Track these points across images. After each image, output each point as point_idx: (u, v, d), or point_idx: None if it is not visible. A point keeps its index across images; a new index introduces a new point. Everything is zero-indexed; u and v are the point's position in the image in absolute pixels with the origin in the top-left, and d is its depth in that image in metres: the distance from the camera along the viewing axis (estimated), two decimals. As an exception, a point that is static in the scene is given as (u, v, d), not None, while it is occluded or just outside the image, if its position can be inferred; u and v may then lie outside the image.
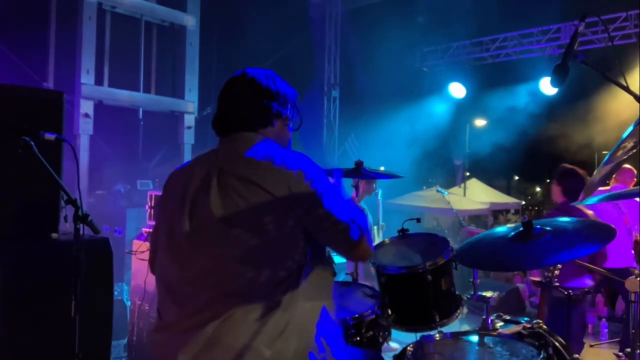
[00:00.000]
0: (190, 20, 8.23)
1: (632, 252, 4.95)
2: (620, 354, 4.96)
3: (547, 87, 9.53)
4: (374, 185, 5.77)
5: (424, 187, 11.90)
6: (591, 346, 6.00)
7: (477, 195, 13.80)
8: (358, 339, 2.67)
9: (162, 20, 8.15)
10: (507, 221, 16.38)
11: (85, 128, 7.08)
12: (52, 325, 2.73)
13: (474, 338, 2.38)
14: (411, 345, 2.33)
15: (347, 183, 5.84)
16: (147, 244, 4.21)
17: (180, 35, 8.28)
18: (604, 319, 6.55)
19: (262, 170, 1.69)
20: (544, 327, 2.49)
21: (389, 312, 2.65)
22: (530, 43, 9.67)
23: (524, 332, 2.40)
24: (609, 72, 1.69)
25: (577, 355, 2.55)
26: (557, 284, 3.04)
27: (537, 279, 3.19)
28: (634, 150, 1.83)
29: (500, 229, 2.45)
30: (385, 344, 2.87)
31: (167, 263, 1.80)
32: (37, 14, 7.17)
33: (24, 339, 2.82)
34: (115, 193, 6.71)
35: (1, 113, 2.92)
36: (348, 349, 2.06)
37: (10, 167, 2.86)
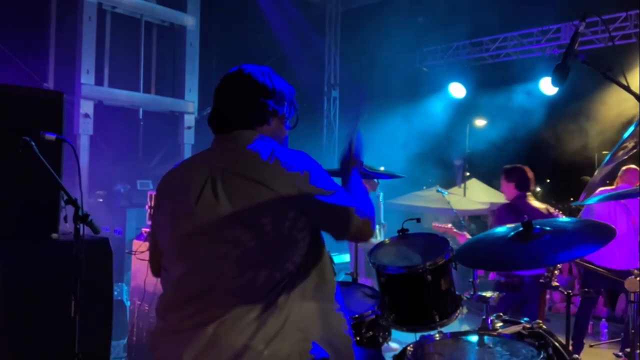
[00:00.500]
0: (190, 20, 8.23)
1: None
2: (620, 354, 4.97)
3: (547, 87, 9.53)
4: (377, 186, 5.74)
5: (424, 187, 11.88)
6: (591, 346, 6.00)
7: (477, 195, 13.77)
8: (358, 339, 2.67)
9: (162, 20, 8.15)
10: (507, 221, 16.32)
11: (85, 128, 7.08)
12: (52, 325, 2.74)
13: (474, 338, 2.38)
14: (411, 345, 2.33)
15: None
16: (147, 244, 4.20)
17: (180, 35, 8.28)
18: (604, 319, 6.56)
19: (267, 169, 1.68)
20: (544, 327, 2.49)
21: (389, 312, 2.65)
22: (530, 43, 9.66)
23: (524, 332, 2.40)
24: (609, 72, 1.69)
25: (576, 356, 2.55)
26: (557, 283, 3.05)
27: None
28: (635, 150, 1.83)
29: (500, 229, 2.45)
30: (385, 344, 2.87)
31: (171, 262, 1.80)
32: (37, 14, 7.17)
33: (24, 339, 2.82)
34: (115, 193, 6.71)
35: (1, 113, 2.92)
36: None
37: (10, 167, 2.86)
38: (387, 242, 2.97)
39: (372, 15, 10.31)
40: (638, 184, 5.23)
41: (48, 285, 2.84)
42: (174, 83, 8.41)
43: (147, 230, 4.31)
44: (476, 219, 12.64)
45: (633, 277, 3.00)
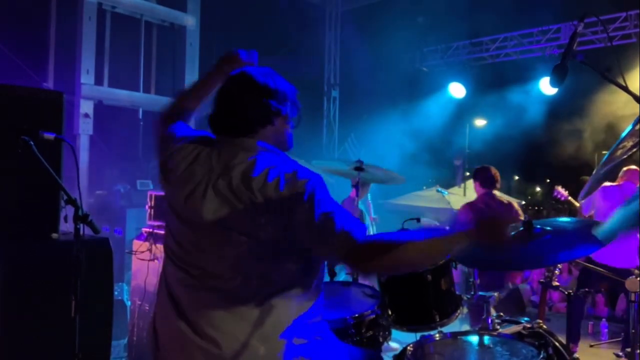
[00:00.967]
0: (190, 20, 8.23)
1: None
2: (621, 353, 4.97)
3: (547, 87, 9.52)
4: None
5: (424, 187, 11.88)
6: (591, 346, 6.00)
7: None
8: (358, 338, 2.67)
9: (162, 20, 8.14)
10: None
11: (85, 128, 7.07)
12: (52, 325, 2.74)
13: (474, 338, 2.38)
14: (411, 345, 2.33)
15: (347, 183, 5.86)
16: (147, 244, 4.21)
17: (180, 35, 8.27)
18: (604, 319, 6.56)
19: (262, 176, 1.68)
20: (544, 327, 2.49)
21: (389, 312, 2.65)
22: (530, 43, 9.66)
23: (524, 332, 2.40)
24: (608, 73, 1.69)
25: (576, 355, 2.55)
26: (557, 283, 3.04)
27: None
28: (633, 150, 1.83)
29: None
30: (385, 344, 2.87)
31: (169, 262, 1.81)
32: (37, 14, 7.16)
33: (24, 339, 2.82)
34: (115, 193, 6.71)
35: (1, 113, 2.92)
36: (348, 349, 2.06)
37: (10, 167, 2.86)
38: (387, 242, 2.96)
39: (372, 15, 10.31)
40: (639, 184, 5.23)
41: (48, 285, 2.85)
42: (174, 83, 8.40)
43: (147, 230, 4.30)
44: (476, 219, 12.59)
45: (633, 277, 3.00)
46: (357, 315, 2.68)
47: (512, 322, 2.55)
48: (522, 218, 5.31)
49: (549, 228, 2.20)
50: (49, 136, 2.51)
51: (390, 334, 2.85)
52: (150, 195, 4.45)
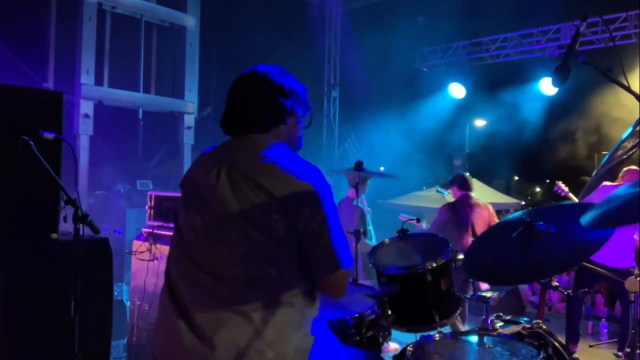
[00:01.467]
0: (190, 20, 8.23)
1: (634, 253, 4.96)
2: (620, 354, 4.98)
3: (547, 87, 9.53)
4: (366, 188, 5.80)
5: (424, 187, 11.88)
6: (591, 346, 6.00)
7: (477, 195, 13.76)
8: (358, 339, 2.67)
9: (162, 20, 8.15)
10: (507, 221, 16.33)
11: (85, 128, 7.08)
12: (52, 325, 2.73)
13: (474, 338, 2.38)
14: (411, 345, 2.33)
15: (347, 183, 5.86)
16: (146, 244, 4.21)
17: (180, 35, 8.28)
18: (603, 319, 6.56)
19: (274, 175, 1.68)
20: (544, 327, 2.49)
21: (389, 312, 2.65)
22: (530, 43, 9.67)
23: (523, 332, 2.40)
24: (609, 72, 1.69)
25: (576, 356, 2.55)
26: (557, 283, 3.04)
27: None
28: (634, 150, 1.83)
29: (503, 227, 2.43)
30: (384, 344, 2.87)
31: (179, 258, 1.81)
32: (37, 14, 7.17)
33: (24, 339, 2.82)
34: (115, 193, 6.71)
35: (1, 113, 2.91)
36: (348, 349, 2.06)
37: (10, 167, 2.86)
38: (387, 242, 2.97)
39: (372, 15, 10.32)
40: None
41: (48, 285, 2.84)
42: (173, 83, 8.41)
43: (147, 230, 4.30)
44: (476, 219, 12.61)
45: (633, 277, 3.00)
46: (357, 315, 2.68)
47: (511, 322, 2.55)
48: (496, 220, 5.53)
49: (550, 225, 2.18)
50: (49, 136, 2.50)
51: (390, 334, 2.85)
52: (150, 196, 4.45)
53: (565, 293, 3.00)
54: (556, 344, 2.39)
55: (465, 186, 5.56)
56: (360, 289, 3.07)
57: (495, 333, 2.36)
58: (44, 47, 7.19)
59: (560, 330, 3.00)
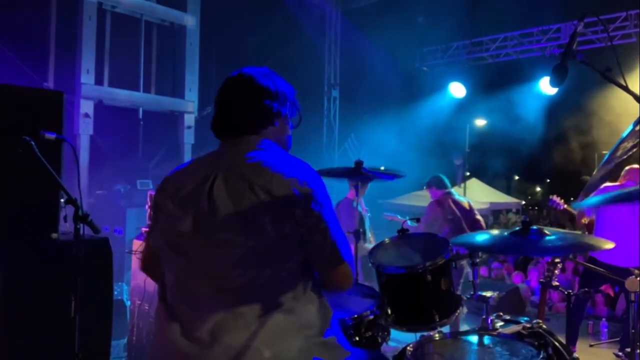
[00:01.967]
0: (190, 20, 8.24)
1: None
2: (620, 354, 4.97)
3: (547, 87, 9.53)
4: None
5: (424, 187, 11.91)
6: (591, 346, 6.00)
7: (477, 195, 13.80)
8: (357, 339, 2.67)
9: (162, 20, 8.15)
10: (508, 220, 16.41)
11: (85, 128, 7.08)
12: (52, 325, 2.74)
13: (474, 338, 2.38)
14: (411, 345, 2.33)
15: (346, 184, 5.86)
16: (147, 244, 4.20)
17: (180, 35, 8.28)
18: (603, 319, 6.56)
19: (267, 174, 1.69)
20: (544, 327, 2.49)
21: (389, 312, 2.65)
22: (530, 43, 9.67)
23: (523, 332, 2.40)
24: (608, 72, 1.69)
25: (576, 355, 2.55)
26: (557, 283, 3.04)
27: None
28: (634, 150, 1.84)
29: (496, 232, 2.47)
30: (384, 344, 2.87)
31: (172, 262, 1.80)
32: (37, 14, 7.17)
33: (24, 339, 2.82)
34: (115, 193, 6.71)
35: (1, 113, 2.92)
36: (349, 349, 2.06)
37: (10, 167, 2.86)
38: (387, 242, 2.97)
39: (372, 15, 10.32)
40: None
41: (48, 285, 2.84)
42: (174, 83, 8.41)
43: (147, 230, 4.30)
44: (476, 219, 12.62)
45: (633, 277, 2.99)
46: (356, 315, 2.68)
47: (511, 322, 2.55)
48: (478, 217, 5.81)
49: (547, 232, 2.20)
50: (50, 136, 2.50)
51: (389, 334, 2.85)
52: (150, 195, 4.45)
53: (566, 293, 3.00)
54: (556, 343, 2.39)
55: (443, 185, 5.85)
56: (360, 289, 3.07)
57: (495, 333, 2.37)
58: (44, 47, 7.19)
59: (561, 330, 3.00)
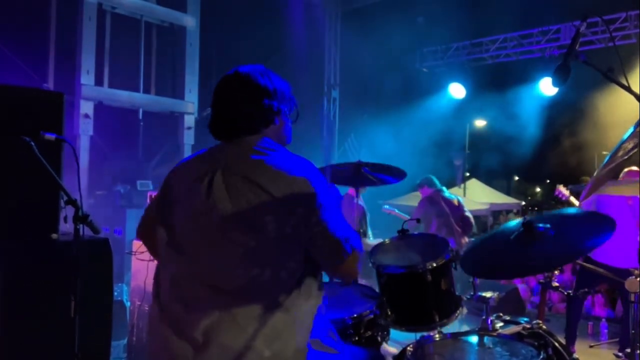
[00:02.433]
0: (190, 21, 8.24)
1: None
2: (620, 354, 4.97)
3: (547, 87, 9.53)
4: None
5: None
6: (591, 346, 6.00)
7: (477, 195, 13.80)
8: (357, 339, 2.67)
9: (162, 20, 8.15)
10: (508, 221, 16.39)
11: (85, 128, 7.08)
12: (52, 325, 2.74)
13: (474, 338, 2.38)
14: (411, 346, 2.33)
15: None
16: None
17: (180, 35, 8.28)
18: (603, 319, 6.56)
19: (268, 173, 1.69)
20: (544, 327, 2.49)
21: (389, 312, 2.65)
22: (530, 44, 9.67)
23: (523, 332, 2.40)
24: (610, 72, 1.69)
25: (576, 356, 2.55)
26: (557, 284, 3.04)
27: None
28: (635, 151, 1.83)
29: (502, 230, 2.45)
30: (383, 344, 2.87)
31: (169, 260, 1.79)
32: (37, 14, 7.17)
33: (24, 339, 2.82)
34: (115, 193, 6.71)
35: (1, 113, 2.91)
36: (349, 348, 2.05)
37: (10, 167, 2.86)
38: (387, 242, 2.97)
39: (372, 15, 10.32)
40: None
41: (48, 285, 2.84)
42: (174, 83, 8.41)
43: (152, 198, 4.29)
44: (476, 219, 12.64)
45: (633, 277, 2.99)
46: (355, 315, 2.68)
47: (511, 322, 2.55)
48: (467, 214, 6.22)
49: (549, 225, 2.19)
50: (50, 137, 2.50)
51: (388, 334, 2.85)
52: (150, 196, 4.45)
53: (566, 293, 3.00)
54: (556, 344, 2.39)
55: (433, 184, 6.34)
56: (360, 289, 3.07)
57: (495, 333, 2.36)
58: (44, 47, 7.19)
59: (560, 330, 3.01)
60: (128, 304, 4.84)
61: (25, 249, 2.93)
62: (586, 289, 4.40)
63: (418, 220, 5.54)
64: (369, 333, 2.71)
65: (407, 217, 6.40)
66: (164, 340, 1.70)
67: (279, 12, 9.21)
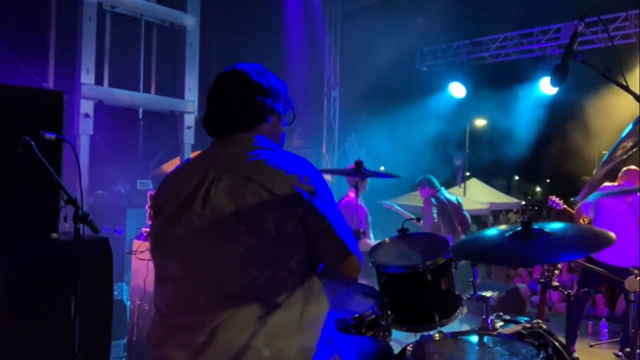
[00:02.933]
0: (190, 20, 8.23)
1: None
2: (620, 354, 4.97)
3: (547, 87, 9.53)
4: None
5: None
6: (591, 346, 6.00)
7: (477, 195, 13.81)
8: (358, 338, 2.67)
9: (162, 20, 8.14)
10: (508, 220, 16.40)
11: (85, 128, 7.08)
12: (52, 325, 2.74)
13: (474, 338, 2.38)
14: (411, 345, 2.33)
15: (347, 183, 5.87)
16: (146, 244, 4.21)
17: (180, 35, 8.27)
18: (603, 319, 6.56)
19: (267, 172, 1.69)
20: (544, 327, 2.49)
21: (389, 312, 2.65)
22: (530, 43, 9.67)
23: (523, 332, 2.40)
24: (608, 72, 1.69)
25: (576, 355, 2.55)
26: (557, 283, 3.04)
27: None
28: (634, 150, 1.84)
29: (496, 230, 2.45)
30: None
31: (167, 262, 1.78)
32: (37, 14, 7.17)
33: (24, 339, 2.82)
34: (115, 193, 6.71)
35: (1, 113, 2.92)
36: (355, 340, 2.06)
37: (10, 166, 2.86)
38: (387, 241, 2.97)
39: (372, 15, 10.31)
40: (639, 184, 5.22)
41: (48, 285, 2.84)
42: (174, 83, 8.41)
43: (147, 230, 4.30)
44: (476, 219, 12.65)
45: (633, 277, 2.99)
46: (357, 315, 2.68)
47: (512, 322, 2.55)
48: (465, 213, 6.42)
49: (547, 230, 2.20)
50: (50, 136, 2.51)
51: (390, 334, 2.85)
52: (150, 195, 4.45)
53: (566, 293, 3.00)
54: (556, 343, 2.39)
55: (434, 185, 6.59)
56: (361, 289, 3.07)
57: (495, 333, 2.37)
58: (44, 47, 7.19)
59: (561, 330, 3.01)
60: (128, 303, 4.84)
61: (25, 248, 2.93)
62: (586, 289, 4.40)
63: (418, 220, 5.54)
64: (371, 333, 2.71)
65: (407, 213, 6.53)
66: (165, 348, 1.69)
67: (279, 12, 9.22)
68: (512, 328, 2.44)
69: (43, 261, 2.91)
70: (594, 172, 2.08)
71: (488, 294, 2.53)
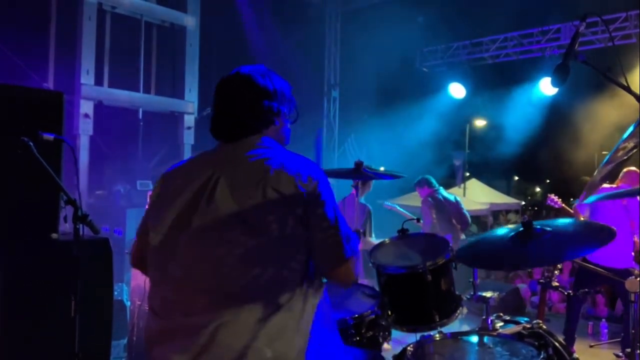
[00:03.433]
0: (190, 21, 8.23)
1: (632, 253, 4.95)
2: (620, 354, 4.97)
3: (547, 87, 9.53)
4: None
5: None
6: (591, 346, 6.00)
7: (477, 195, 13.80)
8: (358, 339, 2.67)
9: (162, 20, 8.14)
10: (508, 221, 16.41)
11: (85, 128, 7.07)
12: (52, 325, 2.74)
13: (474, 338, 2.38)
14: (411, 345, 2.33)
15: (348, 183, 5.87)
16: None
17: (180, 35, 8.27)
18: (603, 319, 6.56)
19: (271, 172, 1.68)
20: (544, 327, 2.49)
21: (389, 312, 2.65)
22: (530, 43, 9.67)
23: (523, 332, 2.40)
24: (609, 72, 1.68)
25: (576, 355, 2.55)
26: (557, 283, 3.04)
27: None
28: (634, 151, 1.83)
29: (499, 231, 2.45)
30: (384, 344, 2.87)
31: (167, 262, 1.77)
32: (37, 14, 7.16)
33: (24, 339, 2.82)
34: (115, 193, 6.71)
35: (1, 113, 2.92)
36: (349, 350, 2.05)
37: (10, 167, 2.86)
38: (387, 242, 2.97)
39: (372, 15, 10.31)
40: (638, 186, 5.22)
41: (48, 285, 2.84)
42: (174, 83, 8.40)
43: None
44: (476, 219, 12.65)
45: (633, 277, 3.00)
46: (357, 315, 2.68)
47: (511, 322, 2.55)
48: (464, 212, 6.56)
49: (548, 228, 2.20)
50: (49, 137, 2.51)
51: (390, 334, 2.85)
52: (150, 195, 4.45)
53: (565, 293, 3.00)
54: (556, 344, 2.39)
55: (432, 185, 6.76)
56: (361, 289, 3.07)
57: (495, 333, 2.37)
58: (44, 47, 7.18)
59: (560, 330, 3.01)
60: (128, 303, 4.84)
61: (25, 249, 2.93)
62: (585, 289, 4.40)
63: (418, 220, 5.53)
64: (371, 333, 2.71)
65: (409, 214, 6.58)
66: (163, 350, 1.69)
67: (279, 12, 9.21)
68: (512, 328, 2.44)
69: (43, 261, 2.91)
70: (595, 172, 2.08)
71: (488, 294, 2.53)
